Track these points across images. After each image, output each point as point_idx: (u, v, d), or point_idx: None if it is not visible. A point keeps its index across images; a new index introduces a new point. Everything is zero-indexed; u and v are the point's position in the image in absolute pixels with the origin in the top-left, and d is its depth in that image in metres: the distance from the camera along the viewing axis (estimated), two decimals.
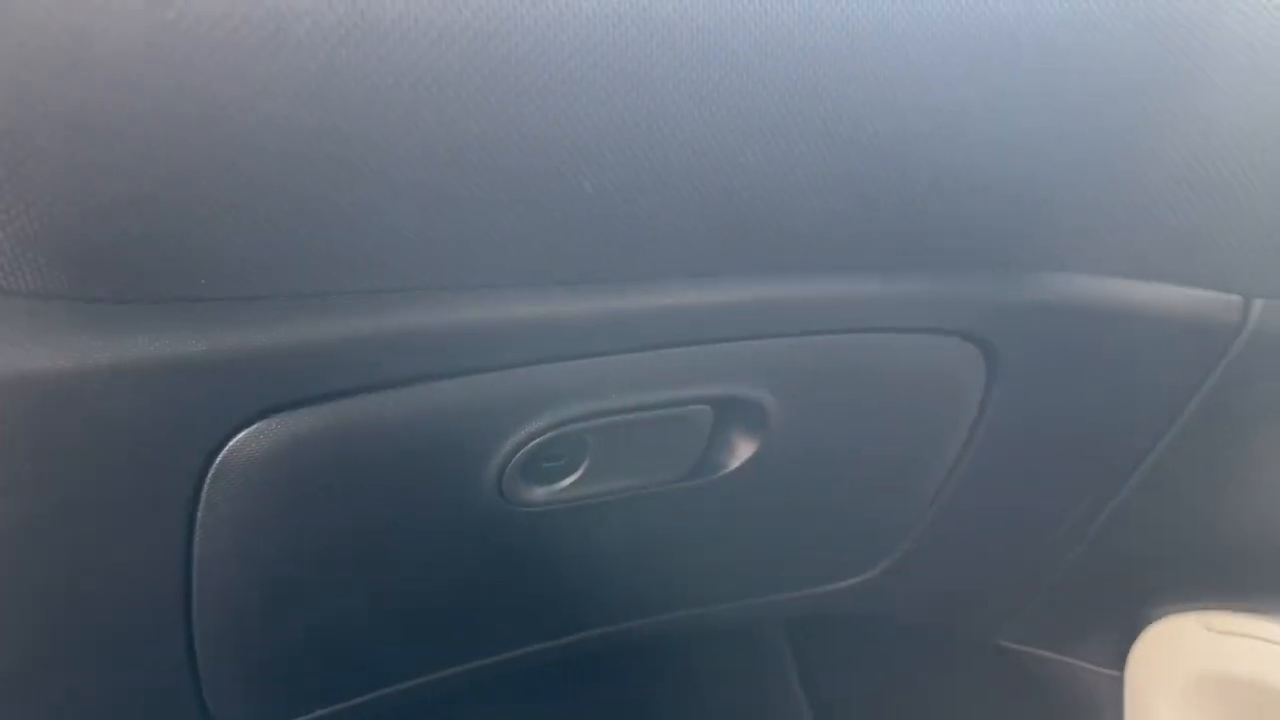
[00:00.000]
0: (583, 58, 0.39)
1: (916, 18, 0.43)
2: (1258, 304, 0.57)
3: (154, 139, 0.34)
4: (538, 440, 0.52)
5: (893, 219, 0.49)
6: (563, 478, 0.56)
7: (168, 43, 0.32)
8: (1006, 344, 0.59)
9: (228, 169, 0.35)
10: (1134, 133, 0.49)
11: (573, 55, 0.39)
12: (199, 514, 0.45)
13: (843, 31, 0.42)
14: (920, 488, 0.69)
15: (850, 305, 0.55)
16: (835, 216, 0.48)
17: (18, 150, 0.33)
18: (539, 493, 0.55)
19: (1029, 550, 0.74)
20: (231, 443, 0.44)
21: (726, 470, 0.60)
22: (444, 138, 0.38)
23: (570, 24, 0.38)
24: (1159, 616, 0.73)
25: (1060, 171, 0.49)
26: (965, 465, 0.66)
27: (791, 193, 0.46)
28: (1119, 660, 0.77)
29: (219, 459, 0.44)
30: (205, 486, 0.45)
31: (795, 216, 0.47)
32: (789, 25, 0.41)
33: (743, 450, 0.60)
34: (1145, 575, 0.73)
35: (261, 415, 0.44)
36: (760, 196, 0.45)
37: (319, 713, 0.62)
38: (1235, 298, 0.57)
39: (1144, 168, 0.50)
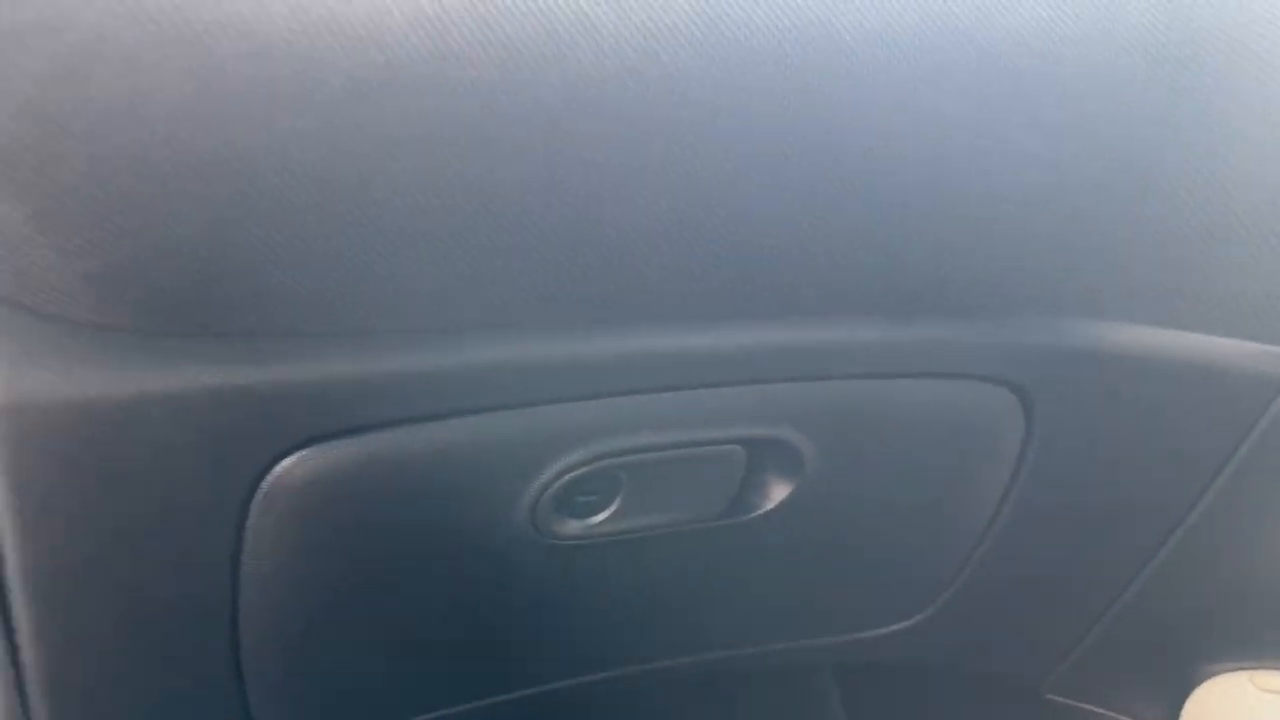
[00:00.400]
0: (603, 110, 0.41)
1: (930, 68, 0.44)
2: None
3: (204, 187, 0.37)
4: (571, 475, 0.54)
5: (915, 266, 0.50)
6: (596, 512, 0.57)
7: (213, 99, 0.35)
8: (1043, 391, 0.59)
9: (270, 215, 0.39)
10: (1153, 177, 0.49)
11: (594, 107, 0.41)
12: (245, 536, 0.48)
13: (852, 82, 0.44)
14: (961, 534, 0.68)
15: (882, 350, 0.56)
16: (854, 264, 0.49)
17: (88, 196, 0.37)
18: (573, 526, 0.57)
19: (1073, 600, 0.73)
20: (275, 469, 0.47)
21: (761, 511, 0.61)
22: (469, 185, 0.40)
23: (592, 78, 0.40)
24: (1209, 675, 0.71)
25: (1079, 216, 0.50)
26: (1006, 513, 0.66)
27: (807, 240, 0.47)
28: (1170, 718, 0.75)
29: (264, 485, 0.47)
30: (251, 511, 0.48)
31: (813, 263, 0.48)
32: (806, 77, 0.43)
33: (777, 492, 0.60)
34: (1194, 632, 0.71)
35: (304, 444, 0.47)
36: (775, 244, 0.47)
37: None
38: (1278, 349, 0.56)
39: (1166, 212, 0.50)
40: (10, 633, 0.47)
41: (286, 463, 0.47)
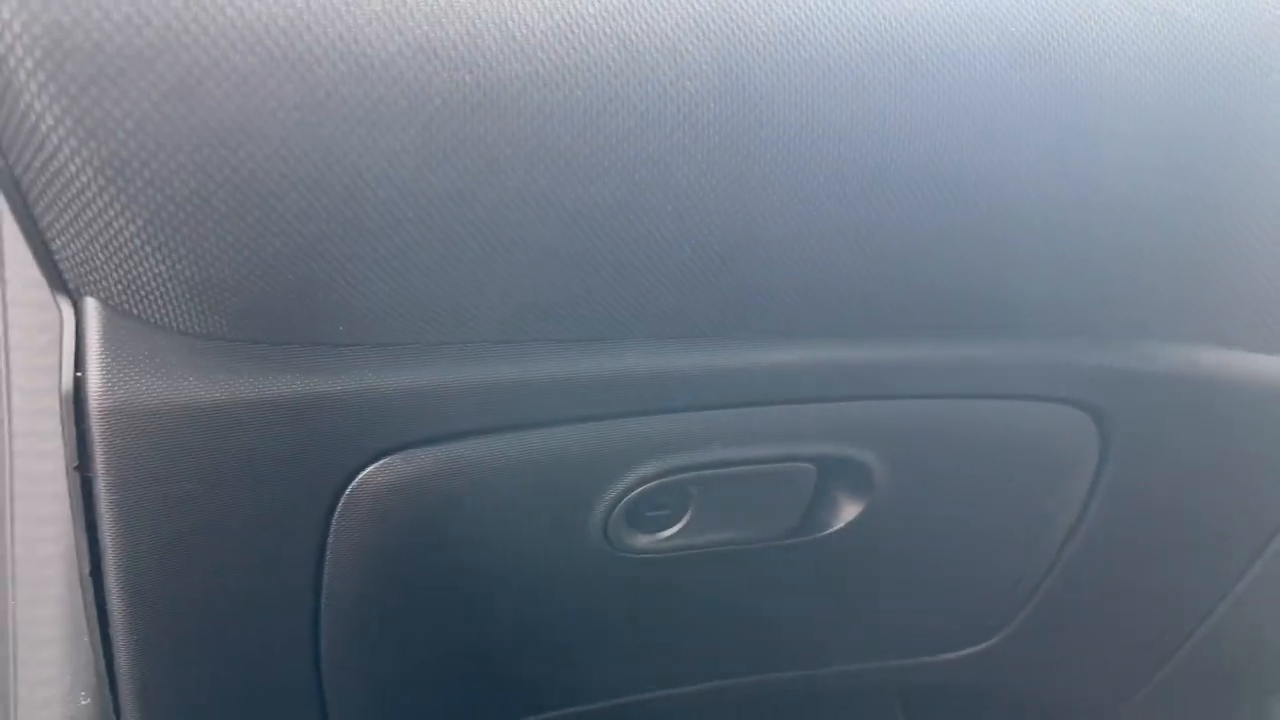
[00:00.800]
0: (685, 130, 0.42)
1: (1004, 91, 0.45)
2: None
3: (307, 203, 0.39)
4: (643, 488, 0.55)
5: (990, 286, 0.50)
6: (667, 527, 0.58)
7: (317, 119, 0.37)
8: (1119, 413, 0.59)
9: (368, 230, 0.40)
10: (1226, 198, 0.49)
11: (677, 128, 0.42)
12: (329, 540, 0.50)
13: (927, 104, 0.44)
14: (1034, 558, 0.68)
15: (955, 370, 0.56)
16: (929, 284, 0.49)
17: (195, 210, 0.39)
18: (643, 540, 0.58)
19: (1150, 629, 0.71)
20: (360, 475, 0.48)
21: (830, 530, 0.61)
22: (556, 202, 0.41)
23: (674, 100, 0.41)
24: None
25: (1154, 237, 0.49)
26: (1080, 537, 0.65)
27: (881, 259, 0.48)
28: None
29: (349, 490, 0.49)
30: (335, 515, 0.49)
31: (887, 282, 0.49)
32: (883, 98, 0.44)
33: (847, 511, 0.61)
34: (1275, 662, 0.69)
35: (388, 452, 0.48)
36: (850, 263, 0.47)
37: None
38: None
39: (1243, 233, 0.50)
40: (105, 624, 0.49)
41: (370, 469, 0.49)
